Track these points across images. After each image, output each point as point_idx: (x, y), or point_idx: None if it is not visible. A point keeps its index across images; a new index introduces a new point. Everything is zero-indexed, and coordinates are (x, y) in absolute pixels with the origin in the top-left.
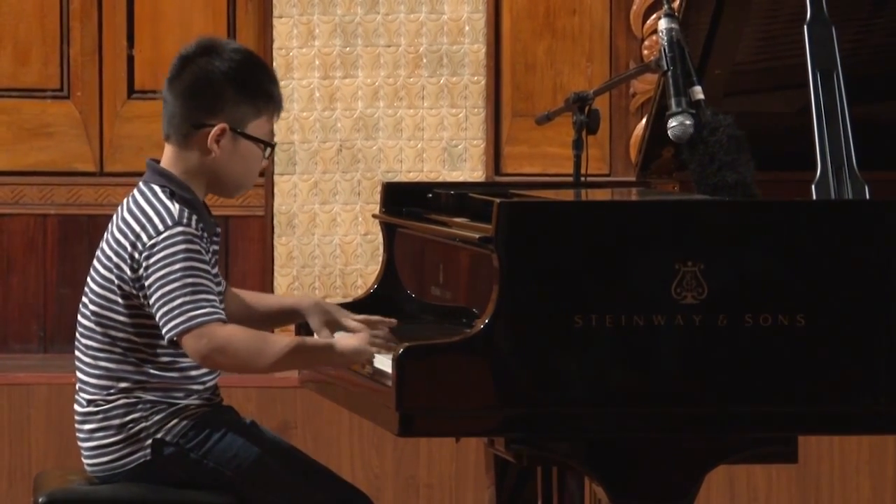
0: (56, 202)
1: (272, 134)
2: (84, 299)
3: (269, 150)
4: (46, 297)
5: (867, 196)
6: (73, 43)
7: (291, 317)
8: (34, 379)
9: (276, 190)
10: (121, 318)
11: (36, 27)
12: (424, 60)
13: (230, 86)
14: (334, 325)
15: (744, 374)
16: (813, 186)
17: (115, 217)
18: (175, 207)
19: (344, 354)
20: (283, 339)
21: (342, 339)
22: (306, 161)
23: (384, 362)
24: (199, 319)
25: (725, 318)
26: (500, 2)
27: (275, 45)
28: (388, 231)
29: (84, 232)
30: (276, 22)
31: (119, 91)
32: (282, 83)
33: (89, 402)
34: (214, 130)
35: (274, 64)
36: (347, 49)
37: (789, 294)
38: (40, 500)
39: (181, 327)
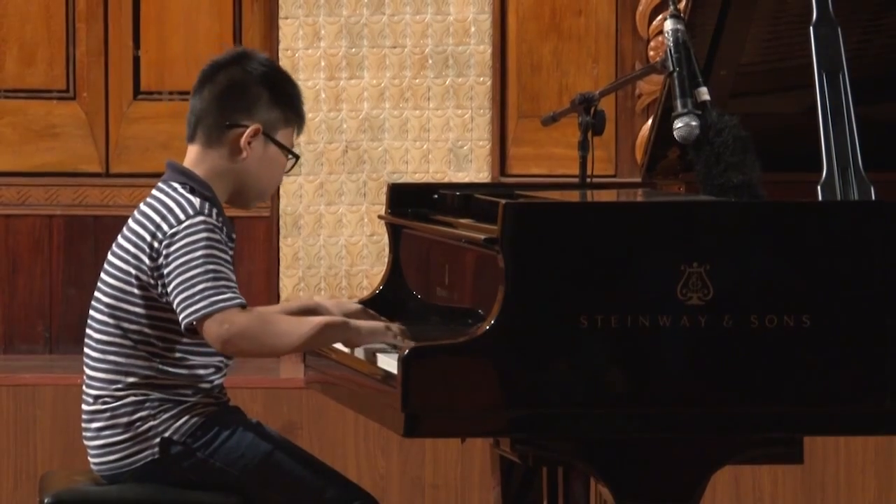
0: (62, 203)
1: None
2: (97, 293)
3: (293, 161)
4: (52, 297)
5: (873, 197)
6: (78, 44)
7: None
8: (40, 380)
9: (281, 191)
10: (136, 309)
11: (42, 28)
12: (430, 61)
13: (266, 90)
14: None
15: (749, 375)
16: (819, 187)
17: (132, 217)
18: (196, 200)
19: (360, 331)
20: (303, 320)
21: (358, 324)
22: (312, 162)
23: (390, 363)
24: (221, 304)
25: (731, 319)
26: (506, 3)
27: (280, 46)
28: (394, 232)
29: (90, 233)
30: (281, 23)
31: (125, 92)
32: None
33: (96, 399)
34: (249, 130)
35: (280, 65)
36: (353, 50)
37: (795, 295)
38: (46, 500)
39: (202, 312)
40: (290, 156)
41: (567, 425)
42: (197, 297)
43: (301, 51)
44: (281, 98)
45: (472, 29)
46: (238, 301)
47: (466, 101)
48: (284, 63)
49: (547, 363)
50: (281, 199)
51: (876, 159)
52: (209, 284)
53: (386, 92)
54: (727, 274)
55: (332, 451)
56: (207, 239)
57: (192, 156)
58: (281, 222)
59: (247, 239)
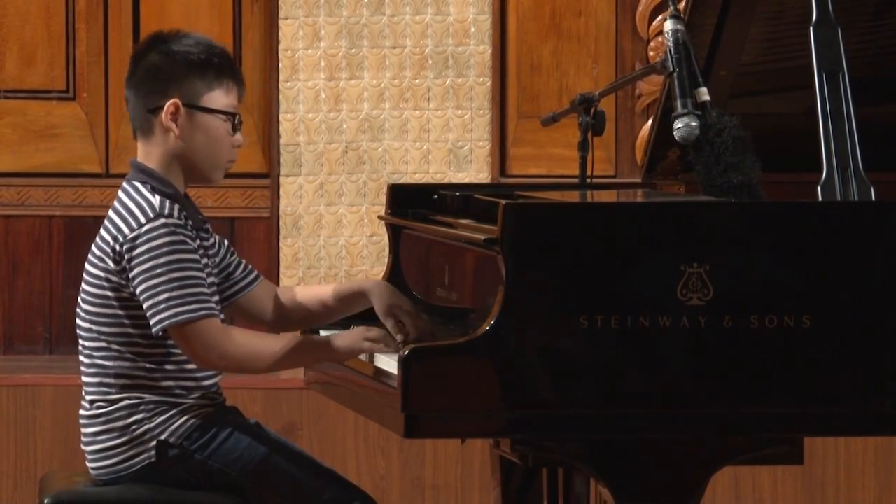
0: (62, 203)
1: (235, 108)
2: (79, 300)
3: (232, 121)
4: (52, 298)
5: (873, 197)
6: (78, 44)
7: (356, 301)
8: (40, 380)
9: (281, 191)
10: (114, 311)
11: (42, 29)
12: (430, 62)
13: (176, 65)
14: (396, 311)
15: (749, 376)
16: (818, 188)
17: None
18: (156, 199)
19: (339, 350)
20: (279, 337)
21: (337, 336)
22: (312, 162)
23: (389, 363)
24: (186, 316)
25: (731, 320)
26: (506, 3)
27: (280, 47)
28: (394, 232)
29: (90, 233)
30: (281, 23)
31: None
32: (287, 84)
33: (91, 403)
34: (167, 107)
35: (279, 65)
36: (353, 50)
37: (795, 295)
38: (46, 501)
39: (165, 323)
40: (223, 117)
41: (567, 426)
42: (162, 307)
43: (301, 51)
44: (193, 66)
45: (472, 29)
46: (204, 312)
47: (466, 101)
48: (284, 63)
49: (547, 364)
50: (281, 200)
51: (876, 159)
52: (174, 294)
53: (386, 92)
54: (727, 274)
55: (332, 452)
56: (170, 244)
57: (140, 151)
58: (281, 223)
59: (247, 239)
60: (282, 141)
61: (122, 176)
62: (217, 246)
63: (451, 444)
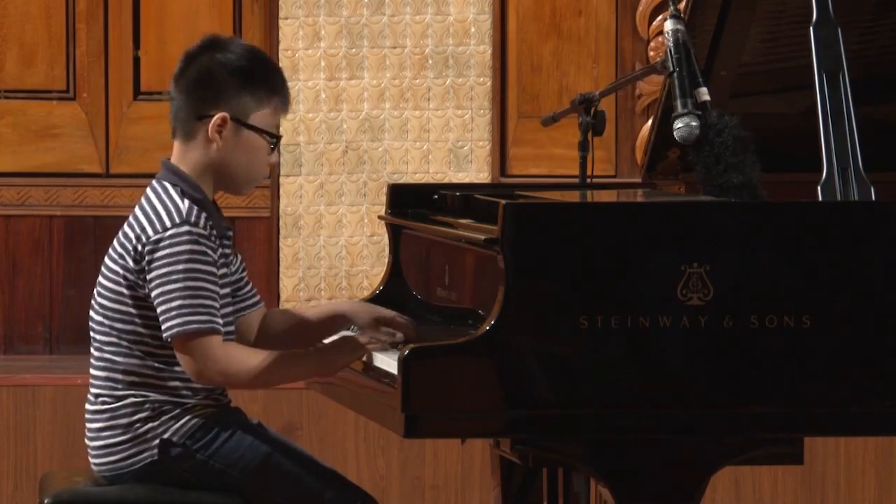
0: (62, 203)
1: (278, 128)
2: (94, 293)
3: (274, 142)
4: (52, 298)
5: (873, 197)
6: (79, 44)
7: (336, 323)
8: (40, 380)
9: (281, 191)
10: (127, 308)
11: (42, 29)
12: (430, 62)
13: (231, 77)
14: (381, 322)
15: (749, 376)
16: (819, 188)
17: (129, 216)
18: (184, 205)
19: (334, 357)
20: (271, 353)
21: (328, 346)
22: (312, 162)
23: (389, 363)
24: (194, 326)
25: (731, 320)
26: (506, 3)
27: (280, 47)
28: (394, 232)
29: (90, 233)
30: (281, 23)
31: (125, 92)
32: (287, 84)
33: (97, 398)
34: (215, 119)
35: (280, 65)
36: (353, 50)
37: (795, 295)
38: (46, 500)
39: (174, 330)
40: (268, 137)
41: (567, 426)
42: (173, 314)
43: (301, 51)
44: (248, 81)
45: (472, 29)
46: (211, 325)
47: (466, 101)
48: (284, 63)
49: (547, 364)
50: (281, 200)
51: (876, 159)
52: (186, 302)
53: (386, 92)
54: (727, 274)
55: (332, 452)
56: (190, 252)
57: (176, 152)
58: (281, 223)
59: (247, 239)
60: (282, 141)
61: (123, 176)
62: (235, 256)
63: (451, 444)
